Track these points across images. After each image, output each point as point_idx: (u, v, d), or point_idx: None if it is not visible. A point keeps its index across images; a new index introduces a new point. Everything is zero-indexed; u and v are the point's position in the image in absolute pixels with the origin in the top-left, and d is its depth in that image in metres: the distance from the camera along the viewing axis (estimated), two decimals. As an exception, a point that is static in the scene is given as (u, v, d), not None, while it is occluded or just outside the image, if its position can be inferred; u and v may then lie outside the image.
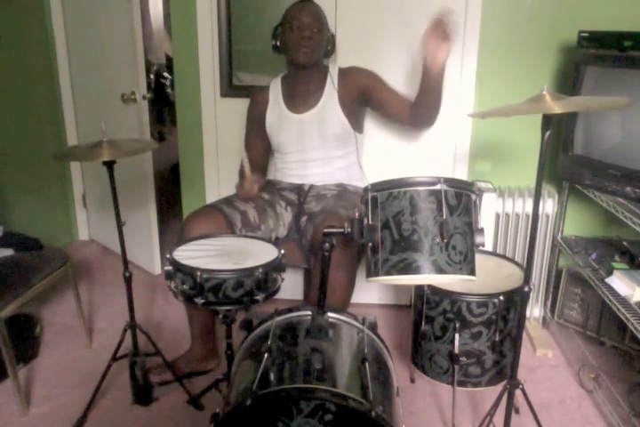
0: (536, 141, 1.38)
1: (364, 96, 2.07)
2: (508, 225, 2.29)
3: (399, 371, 2.00)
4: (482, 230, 1.28)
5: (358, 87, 2.06)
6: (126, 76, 2.64)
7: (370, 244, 1.27)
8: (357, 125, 2.15)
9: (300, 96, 2.11)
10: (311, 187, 2.14)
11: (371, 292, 2.54)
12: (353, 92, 2.07)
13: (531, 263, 1.43)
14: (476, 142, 2.41)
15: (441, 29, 1.68)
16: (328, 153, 2.11)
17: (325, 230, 1.35)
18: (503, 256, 1.96)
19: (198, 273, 1.46)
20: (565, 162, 2.09)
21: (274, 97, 2.16)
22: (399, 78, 2.27)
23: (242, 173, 2.11)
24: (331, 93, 2.08)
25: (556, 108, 1.23)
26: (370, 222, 1.27)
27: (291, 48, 1.99)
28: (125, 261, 1.78)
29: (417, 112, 1.96)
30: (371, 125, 2.38)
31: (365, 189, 1.30)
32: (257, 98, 2.19)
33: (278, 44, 2.06)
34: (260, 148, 2.23)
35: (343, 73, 2.10)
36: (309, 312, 1.45)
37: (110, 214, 1.81)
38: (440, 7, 1.70)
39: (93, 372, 1.97)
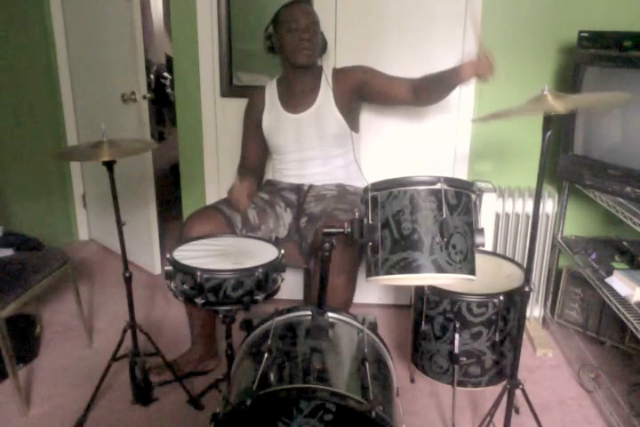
0: (536, 141, 1.38)
1: (362, 90, 2.08)
2: (508, 225, 2.29)
3: (399, 371, 2.00)
4: (482, 230, 1.28)
5: (354, 83, 2.07)
6: (126, 76, 2.64)
7: (370, 243, 1.27)
8: (353, 124, 2.15)
9: (297, 96, 2.11)
10: (310, 187, 2.14)
11: (371, 292, 2.54)
12: (349, 90, 2.08)
13: (531, 263, 1.43)
14: (475, 142, 2.40)
15: (492, 66, 1.72)
16: (326, 152, 2.11)
17: (325, 230, 1.35)
18: (503, 256, 1.96)
19: (198, 273, 1.46)
20: (565, 162, 2.09)
21: (270, 99, 2.16)
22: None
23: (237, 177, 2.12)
24: (326, 93, 2.08)
25: (558, 106, 1.23)
26: (370, 222, 1.27)
27: (290, 50, 1.99)
28: (125, 261, 1.78)
29: (422, 96, 1.99)
30: (371, 126, 2.38)
31: (365, 189, 1.31)
32: (253, 100, 2.20)
33: (273, 45, 2.06)
34: (257, 150, 2.23)
35: (337, 72, 2.12)
36: (309, 312, 1.45)
37: (110, 214, 1.81)
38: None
39: (93, 372, 1.97)
